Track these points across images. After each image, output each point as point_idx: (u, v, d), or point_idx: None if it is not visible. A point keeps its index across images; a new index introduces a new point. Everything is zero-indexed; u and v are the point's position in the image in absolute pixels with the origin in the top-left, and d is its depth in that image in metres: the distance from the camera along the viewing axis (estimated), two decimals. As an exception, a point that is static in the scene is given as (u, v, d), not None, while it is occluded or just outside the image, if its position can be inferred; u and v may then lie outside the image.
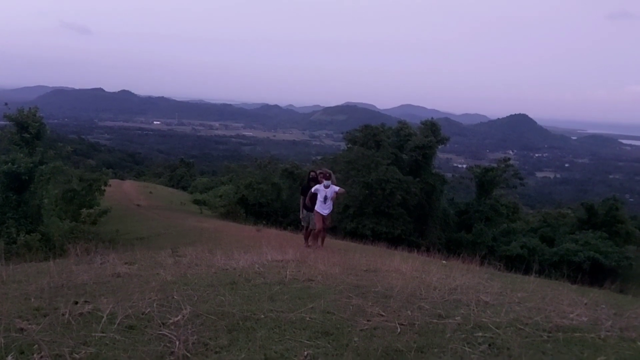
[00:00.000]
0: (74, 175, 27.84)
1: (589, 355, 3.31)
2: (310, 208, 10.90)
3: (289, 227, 26.14)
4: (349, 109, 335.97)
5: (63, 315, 3.52)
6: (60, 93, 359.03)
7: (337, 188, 10.96)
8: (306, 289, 4.82)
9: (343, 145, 47.59)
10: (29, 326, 3.24)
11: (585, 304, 4.87)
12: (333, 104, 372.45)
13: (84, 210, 26.64)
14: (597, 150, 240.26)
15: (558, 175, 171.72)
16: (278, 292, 4.62)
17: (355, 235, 28.61)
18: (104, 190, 34.78)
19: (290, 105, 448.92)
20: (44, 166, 21.43)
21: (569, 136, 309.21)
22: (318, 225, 10.80)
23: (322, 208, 10.75)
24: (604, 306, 4.93)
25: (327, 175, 10.80)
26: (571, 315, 4.20)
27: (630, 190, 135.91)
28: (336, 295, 4.54)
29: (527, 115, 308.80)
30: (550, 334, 3.69)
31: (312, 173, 11.61)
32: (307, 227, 11.29)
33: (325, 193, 10.66)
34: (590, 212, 37.54)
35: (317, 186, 10.79)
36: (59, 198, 27.29)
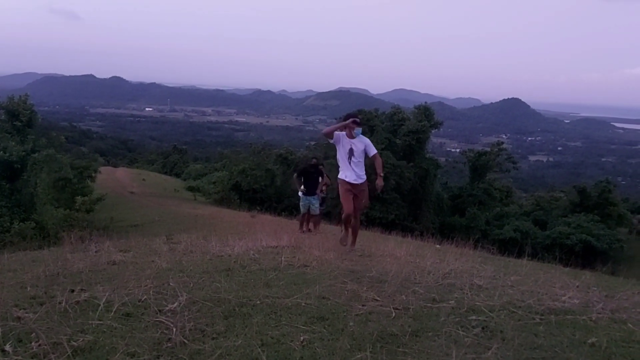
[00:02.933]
0: (66, 164, 27.69)
1: (581, 337, 3.36)
2: (309, 193, 10.75)
3: (283, 212, 26.20)
4: (342, 94, 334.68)
5: (60, 303, 3.52)
6: (51, 80, 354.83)
7: (372, 146, 6.44)
8: (301, 274, 4.84)
9: (337, 130, 47.49)
10: (26, 315, 3.25)
11: (577, 286, 4.92)
12: (326, 89, 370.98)
13: (79, 198, 26.54)
14: (590, 134, 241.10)
15: (551, 159, 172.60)
16: (273, 278, 4.64)
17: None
18: (95, 177, 34.68)
19: (283, 90, 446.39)
20: (36, 154, 21.31)
21: (562, 119, 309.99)
22: (346, 206, 6.44)
23: (349, 173, 6.40)
24: (595, 288, 4.99)
25: (358, 121, 6.36)
26: (563, 298, 4.25)
27: (622, 173, 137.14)
28: (331, 281, 4.56)
29: (520, 99, 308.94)
30: (542, 317, 3.74)
31: (314, 160, 11.30)
32: (306, 213, 11.11)
33: (350, 146, 6.35)
34: (582, 195, 37.85)
35: (338, 134, 6.35)
36: (50, 186, 27.17)
